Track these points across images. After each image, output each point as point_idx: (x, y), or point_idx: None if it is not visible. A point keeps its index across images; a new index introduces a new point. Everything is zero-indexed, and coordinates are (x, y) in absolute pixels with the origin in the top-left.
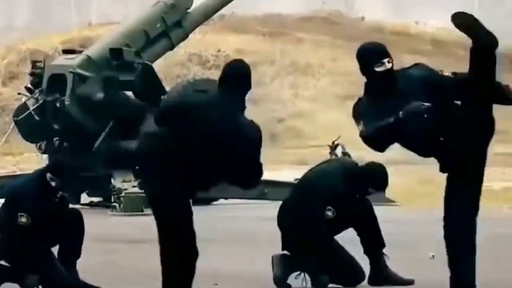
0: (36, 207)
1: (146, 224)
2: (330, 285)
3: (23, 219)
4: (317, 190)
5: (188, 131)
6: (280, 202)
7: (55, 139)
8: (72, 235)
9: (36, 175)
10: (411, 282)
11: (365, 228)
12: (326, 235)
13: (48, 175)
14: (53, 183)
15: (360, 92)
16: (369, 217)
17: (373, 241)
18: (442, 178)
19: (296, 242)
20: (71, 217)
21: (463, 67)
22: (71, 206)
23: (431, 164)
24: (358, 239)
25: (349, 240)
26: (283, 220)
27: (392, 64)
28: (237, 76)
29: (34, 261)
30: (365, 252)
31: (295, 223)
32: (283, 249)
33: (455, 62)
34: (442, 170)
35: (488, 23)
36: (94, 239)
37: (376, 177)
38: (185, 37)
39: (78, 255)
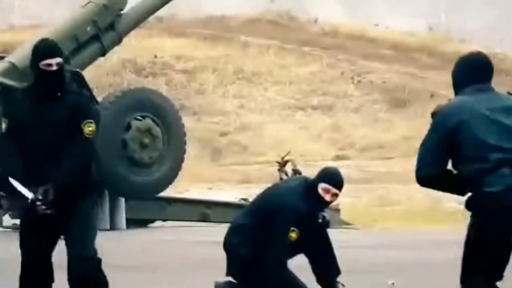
0: None
1: None
2: None
3: None
4: (280, 210)
5: None
6: (222, 225)
7: None
8: None
9: None
10: None
11: (319, 253)
12: (285, 261)
13: None
14: None
15: (312, 102)
16: (323, 241)
17: (327, 269)
18: (400, 198)
19: (246, 268)
20: None
21: (428, 74)
22: None
23: (389, 183)
24: (307, 265)
25: (296, 266)
26: (233, 243)
27: None
28: None
29: None
30: (318, 281)
31: (249, 247)
32: (227, 275)
33: (417, 69)
34: None
35: (453, 25)
36: (18, 265)
37: (328, 174)
38: (118, 41)
39: None
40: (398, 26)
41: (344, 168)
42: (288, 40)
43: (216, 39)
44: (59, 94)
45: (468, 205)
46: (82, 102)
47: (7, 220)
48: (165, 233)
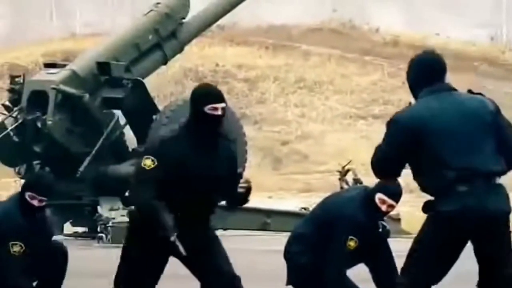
0: (25, 234)
1: None
2: None
3: (16, 248)
4: (339, 219)
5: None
6: (283, 233)
7: (35, 162)
8: (53, 272)
9: (15, 198)
10: None
11: (379, 263)
12: (345, 270)
13: (28, 193)
14: (34, 202)
15: (373, 111)
16: (383, 250)
17: (387, 278)
18: None
19: (306, 277)
20: (54, 252)
21: (488, 84)
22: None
23: None
24: (368, 274)
25: (356, 275)
26: (293, 252)
27: None
28: None
29: None
30: None
31: (309, 255)
32: (288, 284)
33: (479, 79)
34: None
35: None
36: (79, 274)
37: (386, 184)
38: (180, 50)
39: None
40: (459, 36)
41: (404, 177)
42: (349, 49)
43: (278, 48)
44: (218, 140)
45: (425, 210)
46: (235, 152)
47: (68, 227)
48: (225, 242)
